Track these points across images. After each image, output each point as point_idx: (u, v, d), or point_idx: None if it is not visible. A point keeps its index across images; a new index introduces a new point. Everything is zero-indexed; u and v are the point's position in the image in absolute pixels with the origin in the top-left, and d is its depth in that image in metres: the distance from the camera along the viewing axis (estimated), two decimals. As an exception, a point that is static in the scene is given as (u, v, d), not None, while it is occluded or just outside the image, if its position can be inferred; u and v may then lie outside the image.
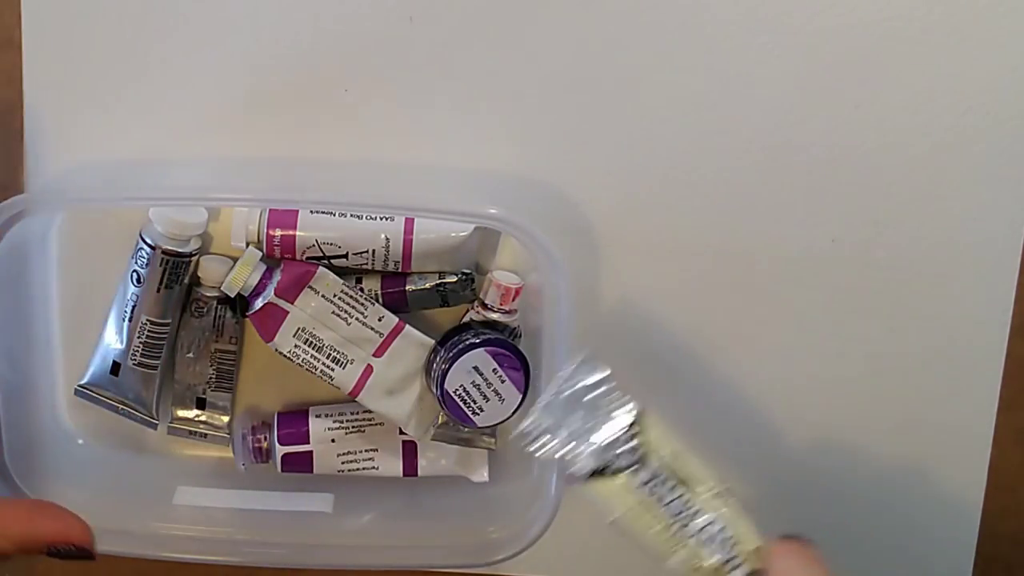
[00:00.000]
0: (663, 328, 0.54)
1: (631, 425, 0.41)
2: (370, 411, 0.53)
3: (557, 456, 0.41)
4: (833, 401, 0.55)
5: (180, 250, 0.51)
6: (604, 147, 0.53)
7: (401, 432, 0.54)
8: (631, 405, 0.41)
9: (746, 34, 0.51)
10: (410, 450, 0.55)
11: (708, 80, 0.52)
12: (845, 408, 0.56)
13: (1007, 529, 0.57)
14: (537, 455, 0.41)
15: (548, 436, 0.41)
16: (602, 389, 0.42)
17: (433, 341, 0.52)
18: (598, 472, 0.40)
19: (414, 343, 0.52)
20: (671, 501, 0.40)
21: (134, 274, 0.51)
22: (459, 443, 0.54)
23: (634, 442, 0.41)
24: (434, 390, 0.51)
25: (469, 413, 0.50)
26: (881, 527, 0.57)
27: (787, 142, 0.52)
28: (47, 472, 0.53)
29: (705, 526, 0.40)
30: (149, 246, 0.50)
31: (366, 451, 0.54)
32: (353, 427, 0.54)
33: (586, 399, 0.42)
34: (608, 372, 0.42)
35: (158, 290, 0.51)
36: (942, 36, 0.51)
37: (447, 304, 0.53)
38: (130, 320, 0.52)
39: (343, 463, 0.54)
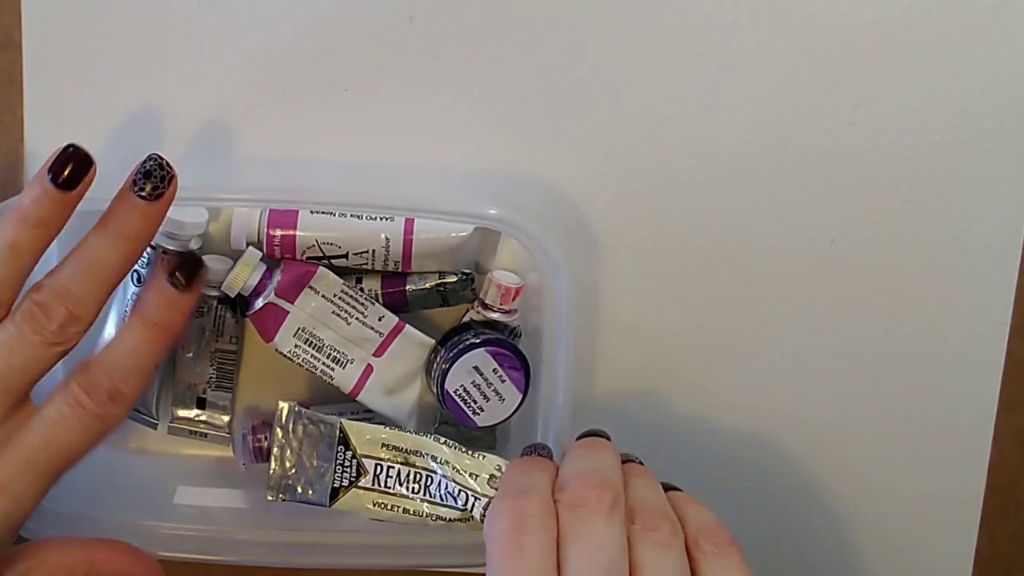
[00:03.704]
0: (662, 327, 0.54)
1: (339, 442, 0.44)
2: (370, 411, 0.53)
3: (306, 503, 0.45)
4: (832, 401, 0.55)
5: (180, 250, 0.51)
6: (603, 146, 0.53)
7: (401, 432, 0.54)
8: (333, 422, 0.45)
9: (746, 34, 0.51)
10: (410, 450, 0.55)
11: (708, 80, 0.52)
12: (844, 408, 0.56)
13: (1007, 529, 0.57)
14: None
15: (293, 491, 0.45)
16: (305, 424, 0.45)
17: (433, 341, 0.52)
18: (334, 494, 0.44)
19: (414, 343, 0.52)
20: (404, 484, 0.44)
21: (134, 274, 0.51)
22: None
23: (348, 453, 0.44)
24: (434, 390, 0.51)
25: (469, 413, 0.50)
26: (881, 526, 0.57)
27: (787, 142, 0.52)
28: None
29: (440, 485, 0.44)
30: (150, 246, 0.50)
31: (366, 451, 0.54)
32: (353, 427, 0.54)
33: (305, 436, 0.45)
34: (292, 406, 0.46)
35: (158, 290, 0.51)
36: (942, 36, 0.51)
37: (447, 304, 0.53)
38: (130, 320, 0.52)
39: (343, 463, 0.54)
